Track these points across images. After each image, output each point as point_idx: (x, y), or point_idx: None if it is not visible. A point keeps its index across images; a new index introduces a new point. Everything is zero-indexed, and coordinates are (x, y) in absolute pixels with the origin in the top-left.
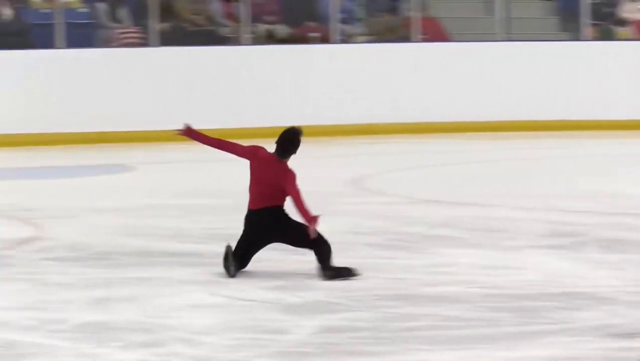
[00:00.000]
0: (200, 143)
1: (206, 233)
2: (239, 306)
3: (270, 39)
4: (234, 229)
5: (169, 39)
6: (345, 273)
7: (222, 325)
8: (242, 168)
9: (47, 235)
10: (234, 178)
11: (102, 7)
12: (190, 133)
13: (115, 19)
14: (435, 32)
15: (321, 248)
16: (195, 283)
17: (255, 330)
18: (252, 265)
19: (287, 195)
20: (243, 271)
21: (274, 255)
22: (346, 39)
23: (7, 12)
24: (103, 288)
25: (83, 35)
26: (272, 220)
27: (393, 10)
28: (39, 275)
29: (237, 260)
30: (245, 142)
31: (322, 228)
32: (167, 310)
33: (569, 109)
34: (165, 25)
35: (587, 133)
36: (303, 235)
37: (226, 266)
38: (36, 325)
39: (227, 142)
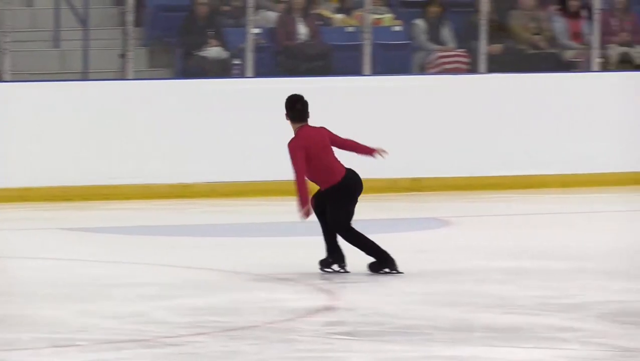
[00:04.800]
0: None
1: (538, 302)
2: None
3: (626, 63)
4: (576, 297)
5: (500, 64)
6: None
7: None
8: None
9: (342, 304)
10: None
11: (421, 25)
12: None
13: (435, 39)
14: None
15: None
16: None
17: None
18: (590, 341)
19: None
20: (574, 348)
21: (617, 329)
22: None
23: (303, 31)
24: None
25: (395, 59)
26: None
27: None
28: (329, 353)
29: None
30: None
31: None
32: None
33: None
34: (497, 47)
35: None
36: None
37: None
38: None
39: None
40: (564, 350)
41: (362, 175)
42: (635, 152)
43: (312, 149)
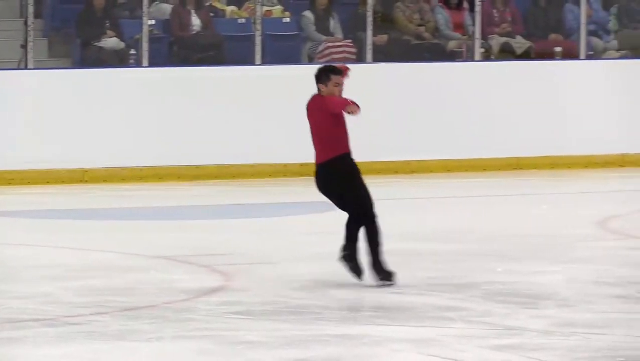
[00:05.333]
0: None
1: (424, 283)
2: None
3: (506, 53)
4: (461, 278)
5: (386, 54)
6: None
7: None
8: (475, 206)
9: (236, 285)
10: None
11: (309, 16)
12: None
13: (324, 30)
14: None
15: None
16: (408, 341)
17: None
18: (475, 320)
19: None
20: (459, 327)
21: (500, 309)
22: (595, 54)
23: (196, 23)
24: (298, 348)
25: (285, 49)
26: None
27: None
28: (223, 332)
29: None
30: (470, 178)
31: (560, 277)
32: None
33: None
34: (383, 38)
35: None
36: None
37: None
38: None
39: None
40: (450, 329)
41: (254, 160)
42: (510, 140)
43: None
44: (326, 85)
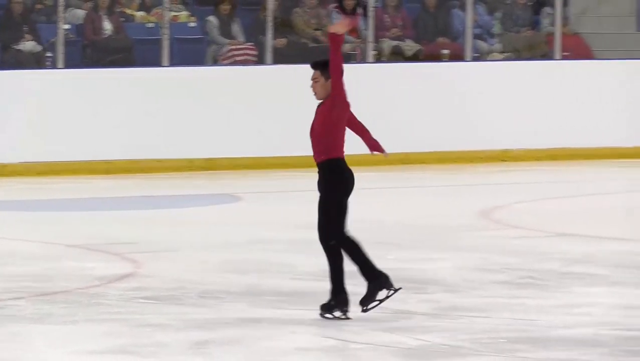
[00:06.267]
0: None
1: (320, 269)
2: (354, 350)
3: (397, 56)
4: (349, 265)
5: (285, 56)
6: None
7: None
8: (366, 198)
9: (145, 271)
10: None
11: (213, 21)
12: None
13: (227, 34)
14: (578, 49)
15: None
16: (306, 324)
17: None
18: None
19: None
20: (354, 311)
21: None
22: (481, 56)
23: (108, 27)
24: (203, 330)
25: (191, 52)
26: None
27: (533, 25)
28: (132, 316)
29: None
30: (367, 171)
31: (447, 264)
32: (274, 354)
33: None
34: (282, 41)
35: None
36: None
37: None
38: None
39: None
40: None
41: (162, 155)
42: (399, 137)
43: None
44: None
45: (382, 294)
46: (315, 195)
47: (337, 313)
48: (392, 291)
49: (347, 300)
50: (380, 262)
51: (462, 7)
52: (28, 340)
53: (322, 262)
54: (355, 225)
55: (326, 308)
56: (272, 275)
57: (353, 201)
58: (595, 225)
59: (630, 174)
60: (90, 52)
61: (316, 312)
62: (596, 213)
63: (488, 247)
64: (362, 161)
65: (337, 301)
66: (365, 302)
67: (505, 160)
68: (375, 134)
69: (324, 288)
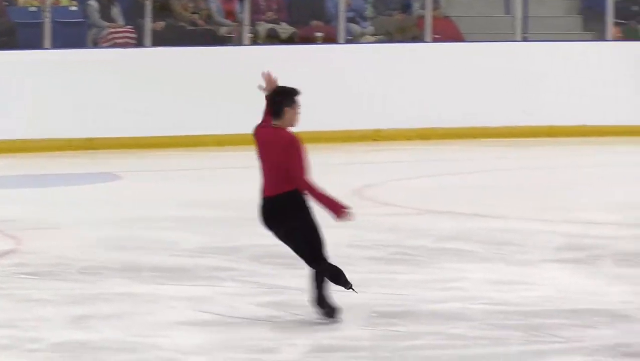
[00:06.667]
0: None
1: (198, 246)
2: (230, 324)
3: (273, 39)
4: (233, 242)
5: (163, 39)
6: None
7: (211, 344)
8: (244, 177)
9: (26, 248)
10: (235, 188)
11: (93, 5)
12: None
13: (107, 17)
14: (448, 32)
15: (327, 272)
16: (183, 299)
17: (246, 350)
18: (244, 280)
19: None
20: (229, 286)
21: (265, 269)
22: (354, 39)
23: None
24: (84, 305)
25: (72, 35)
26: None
27: (404, 9)
28: (14, 291)
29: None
30: (243, 150)
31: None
32: (153, 328)
33: (593, 114)
34: (160, 24)
35: (610, 140)
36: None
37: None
38: (9, 344)
39: None
40: (222, 287)
41: (41, 135)
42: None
43: None
44: (292, 107)
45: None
46: (197, 174)
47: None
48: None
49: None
50: (254, 239)
51: None
52: None
53: (198, 239)
54: (230, 204)
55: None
56: (152, 252)
57: (233, 180)
58: (465, 203)
59: (498, 152)
60: None
61: (194, 288)
62: (466, 191)
63: (360, 223)
64: (235, 140)
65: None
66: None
67: (377, 140)
68: (252, 116)
69: (200, 263)
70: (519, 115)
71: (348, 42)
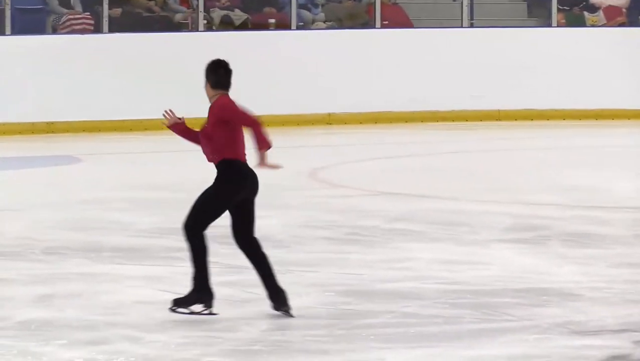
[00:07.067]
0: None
1: (155, 227)
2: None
3: (227, 25)
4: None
5: (120, 25)
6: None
7: (170, 322)
8: (199, 160)
9: None
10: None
11: None
12: (176, 128)
13: (65, 4)
14: (397, 18)
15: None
16: (142, 278)
17: (204, 328)
18: None
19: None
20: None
21: (224, 249)
22: (305, 25)
23: None
24: (47, 285)
25: (32, 21)
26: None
27: None
28: None
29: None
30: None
31: (275, 222)
32: (113, 307)
33: (536, 98)
34: (117, 11)
35: (557, 124)
36: None
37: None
38: None
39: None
40: (177, 267)
41: (3, 120)
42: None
43: None
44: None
45: (197, 307)
46: (151, 157)
47: (198, 308)
48: (206, 311)
49: (211, 295)
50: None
51: None
52: None
53: (156, 220)
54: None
55: (182, 302)
56: (111, 232)
57: (187, 163)
58: (415, 185)
59: (447, 136)
60: None
61: (153, 267)
62: (416, 173)
63: (313, 205)
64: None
65: (199, 296)
66: (179, 303)
67: (330, 123)
68: (204, 101)
69: (158, 244)
70: (467, 99)
71: (300, 28)
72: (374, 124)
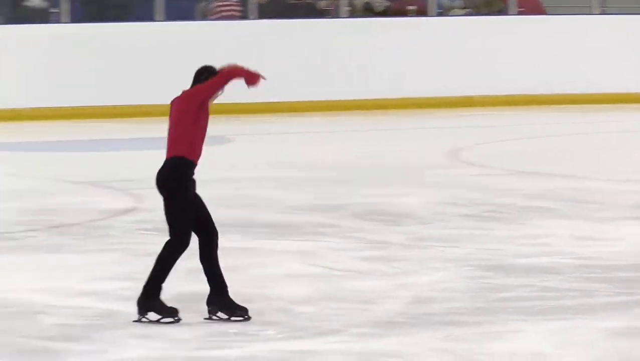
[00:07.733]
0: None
1: (304, 204)
2: (336, 277)
3: (368, 11)
4: (335, 200)
5: (266, 12)
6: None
7: (318, 295)
8: (346, 140)
9: (145, 206)
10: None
11: None
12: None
13: None
14: (532, 6)
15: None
16: (293, 253)
17: (351, 301)
18: (347, 236)
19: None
20: (334, 241)
21: (369, 226)
22: (444, 12)
23: None
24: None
25: (182, 7)
26: None
27: None
28: (136, 246)
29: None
30: (346, 115)
31: (416, 200)
32: (266, 280)
33: None
34: None
35: None
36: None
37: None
38: (134, 296)
39: None
40: (326, 242)
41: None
42: (372, 85)
43: None
44: None
45: (153, 315)
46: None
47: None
48: (159, 318)
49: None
50: (356, 198)
51: None
52: (45, 267)
53: (304, 197)
54: (333, 165)
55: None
56: (263, 210)
57: (333, 144)
58: (549, 164)
59: (574, 118)
60: (94, 7)
61: (302, 242)
62: (550, 153)
63: (454, 183)
64: (339, 106)
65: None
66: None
67: (469, 106)
68: (356, 82)
69: (307, 220)
70: (597, 82)
71: (438, 14)
72: (512, 106)
